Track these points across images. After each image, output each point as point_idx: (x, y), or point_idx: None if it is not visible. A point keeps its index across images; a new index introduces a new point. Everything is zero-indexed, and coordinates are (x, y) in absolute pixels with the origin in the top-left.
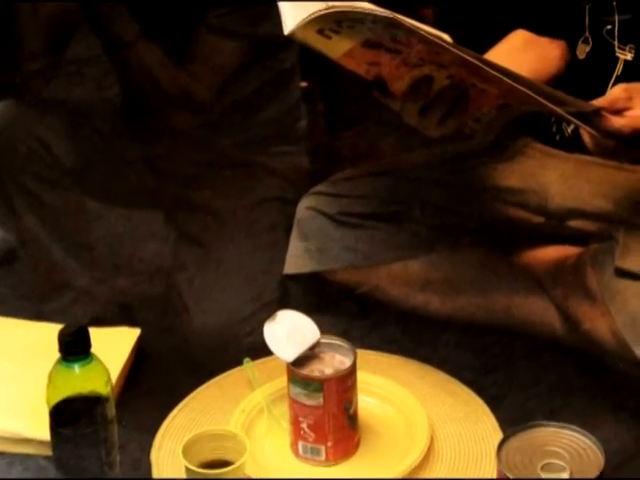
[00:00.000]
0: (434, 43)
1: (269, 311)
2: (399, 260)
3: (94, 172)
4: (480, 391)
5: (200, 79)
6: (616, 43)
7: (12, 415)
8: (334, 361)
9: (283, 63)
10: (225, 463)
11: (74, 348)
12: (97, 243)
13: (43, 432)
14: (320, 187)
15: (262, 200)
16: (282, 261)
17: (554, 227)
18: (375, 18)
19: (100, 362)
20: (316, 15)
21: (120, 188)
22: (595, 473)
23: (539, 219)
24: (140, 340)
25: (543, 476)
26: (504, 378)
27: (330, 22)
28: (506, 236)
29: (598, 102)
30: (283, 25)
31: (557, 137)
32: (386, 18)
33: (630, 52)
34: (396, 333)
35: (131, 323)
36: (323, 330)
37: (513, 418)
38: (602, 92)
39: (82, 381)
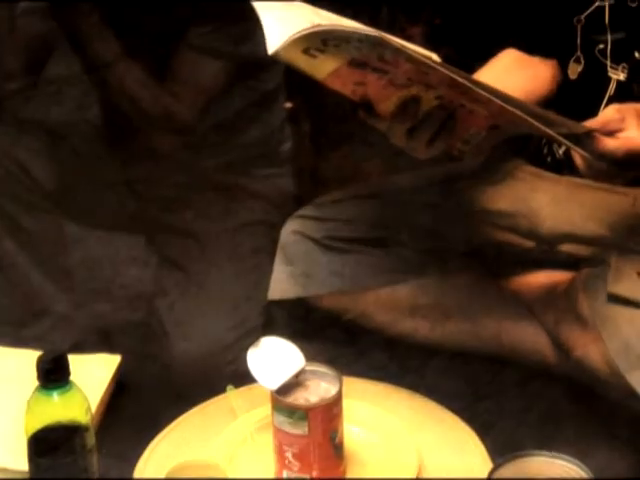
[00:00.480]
0: (422, 63)
1: (253, 337)
2: (387, 285)
3: (73, 195)
4: (469, 419)
5: (182, 99)
6: (608, 63)
7: None
8: (319, 389)
9: (267, 83)
10: None
11: (53, 376)
12: (76, 267)
13: (21, 462)
14: (305, 210)
15: (245, 223)
16: (266, 286)
17: (545, 251)
18: (361, 37)
19: (79, 390)
20: (301, 34)
21: (100, 211)
22: None
23: (530, 243)
24: (120, 367)
25: None
26: (494, 406)
27: (315, 41)
28: (496, 261)
29: (590, 123)
30: (267, 44)
31: (548, 159)
32: (373, 37)
33: (623, 72)
34: (383, 360)
35: (111, 350)
36: (308, 357)
37: (503, 447)
38: (594, 113)
39: (61, 409)
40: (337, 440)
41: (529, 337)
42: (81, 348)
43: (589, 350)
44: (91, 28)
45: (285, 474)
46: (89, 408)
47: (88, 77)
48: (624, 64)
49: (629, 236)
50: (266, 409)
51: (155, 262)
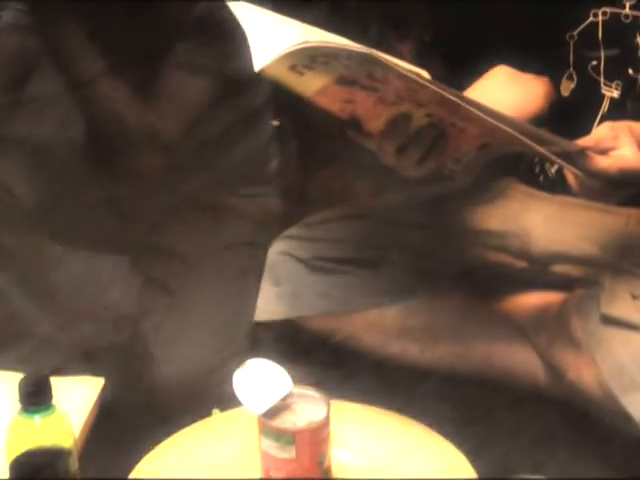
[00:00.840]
0: (412, 80)
1: (239, 360)
2: (375, 307)
3: (56, 214)
4: (460, 444)
5: (167, 117)
6: (602, 80)
7: None
8: (307, 412)
9: (253, 101)
10: None
11: (35, 399)
12: (59, 289)
13: None
14: (292, 230)
15: (231, 244)
16: (252, 308)
17: (537, 272)
18: (350, 54)
19: (62, 413)
20: (289, 50)
21: (83, 231)
22: None
23: (521, 264)
24: (104, 390)
25: None
26: (485, 430)
27: (303, 58)
28: (487, 282)
29: (583, 141)
30: (254, 61)
31: (540, 178)
32: (361, 54)
33: (616, 89)
34: (372, 383)
35: (95, 372)
36: (295, 380)
37: (495, 471)
38: (587, 130)
39: (43, 433)
40: (325, 465)
41: (521, 359)
42: (64, 370)
43: (582, 372)
44: (75, 45)
45: None
46: (72, 432)
47: (71, 94)
48: (617, 81)
49: (622, 256)
50: (253, 433)
51: (140, 283)
